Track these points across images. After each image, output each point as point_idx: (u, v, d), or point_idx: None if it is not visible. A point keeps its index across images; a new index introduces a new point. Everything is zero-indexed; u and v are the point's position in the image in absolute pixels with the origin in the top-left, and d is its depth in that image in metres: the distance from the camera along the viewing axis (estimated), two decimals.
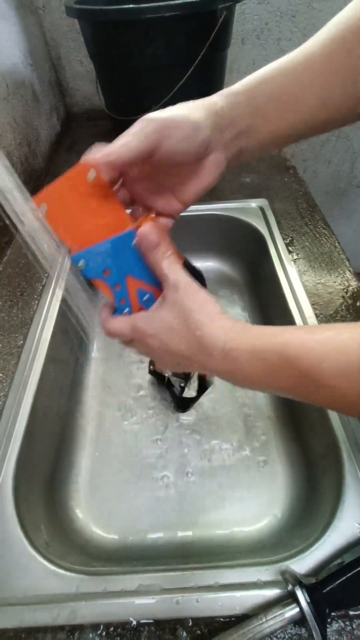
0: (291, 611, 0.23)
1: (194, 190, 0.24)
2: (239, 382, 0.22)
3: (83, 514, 0.39)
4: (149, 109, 0.49)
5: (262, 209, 0.60)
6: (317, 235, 0.54)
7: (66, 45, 0.79)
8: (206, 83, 0.57)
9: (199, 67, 0.50)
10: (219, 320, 0.21)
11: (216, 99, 0.23)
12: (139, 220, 0.23)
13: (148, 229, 0.21)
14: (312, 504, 0.35)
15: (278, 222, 0.57)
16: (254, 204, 0.61)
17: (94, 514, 0.40)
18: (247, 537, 0.37)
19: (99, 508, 0.40)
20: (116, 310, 0.24)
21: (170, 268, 0.22)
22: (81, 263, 0.22)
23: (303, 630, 0.24)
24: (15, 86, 0.62)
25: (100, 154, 0.20)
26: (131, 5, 0.43)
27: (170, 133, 0.21)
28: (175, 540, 0.37)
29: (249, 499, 0.40)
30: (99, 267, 0.22)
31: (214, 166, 0.23)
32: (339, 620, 0.24)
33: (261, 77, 0.24)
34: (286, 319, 0.44)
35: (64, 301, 0.46)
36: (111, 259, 0.22)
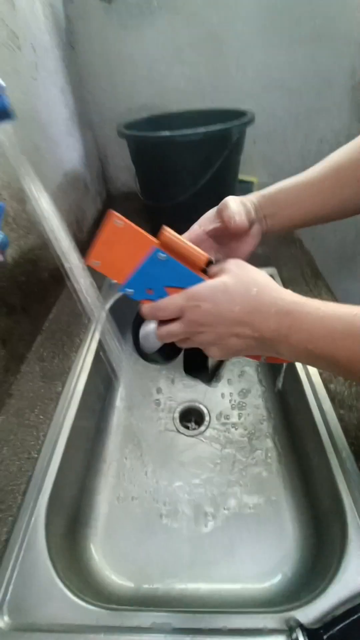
0: None
1: (243, 249, 0.34)
2: (289, 346, 0.22)
3: (99, 557, 0.42)
4: (177, 199, 0.64)
5: (271, 276, 0.68)
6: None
7: (111, 148, 0.99)
8: (223, 178, 0.70)
9: (218, 167, 0.64)
10: (275, 284, 0.24)
11: (252, 197, 0.34)
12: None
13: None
14: (319, 558, 0.36)
15: (285, 287, 0.64)
16: (265, 271, 0.69)
17: (110, 558, 0.42)
18: (255, 590, 0.37)
19: (114, 553, 0.42)
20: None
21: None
22: (128, 292, 0.28)
23: None
24: (73, 180, 0.78)
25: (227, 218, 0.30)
26: (167, 133, 0.58)
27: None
28: (187, 591, 0.38)
29: (260, 556, 0.41)
30: (141, 289, 0.28)
31: (256, 234, 0.34)
32: None
33: (279, 187, 0.35)
34: (292, 377, 0.49)
35: (99, 347, 0.54)
36: (147, 278, 0.28)
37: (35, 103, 0.62)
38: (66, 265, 0.31)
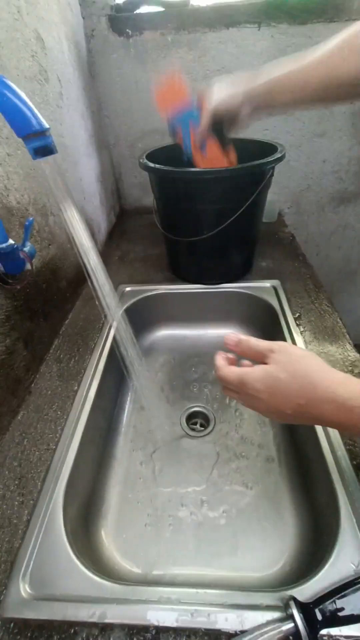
0: (286, 625, 0.27)
1: (235, 129, 0.51)
2: (351, 430, 0.24)
3: (110, 544, 0.44)
4: (199, 236, 0.59)
5: (275, 288, 0.72)
6: (322, 312, 0.64)
7: (125, 166, 1.05)
8: (251, 216, 0.65)
9: (247, 205, 0.59)
10: (328, 370, 0.25)
11: (244, 85, 0.45)
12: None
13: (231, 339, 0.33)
14: (315, 549, 0.38)
15: (288, 300, 0.68)
16: (268, 284, 0.73)
17: (120, 547, 0.44)
18: (256, 577, 0.40)
19: (123, 542, 0.45)
20: (185, 147, 0.56)
21: (260, 342, 0.30)
22: (170, 122, 0.54)
23: None
24: (90, 197, 0.84)
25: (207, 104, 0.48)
26: (194, 169, 0.56)
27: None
28: (192, 577, 0.40)
29: (261, 548, 0.43)
30: (177, 124, 0.54)
31: (245, 118, 0.48)
32: None
33: (277, 77, 0.42)
34: None
35: (113, 348, 0.58)
36: (182, 119, 0.54)
37: (60, 129, 0.68)
38: (90, 270, 0.37)
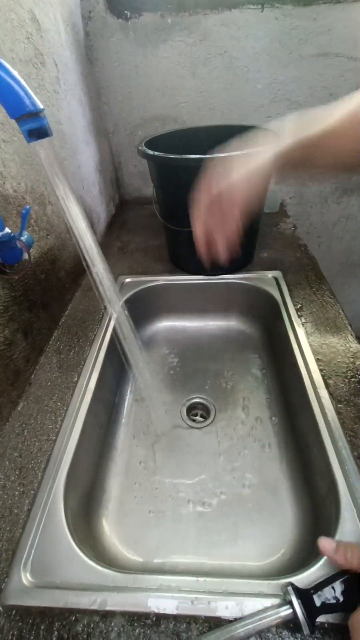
0: (285, 612, 0.27)
1: None
2: None
3: (111, 534, 0.45)
4: None
5: (276, 279, 0.71)
6: (324, 303, 0.63)
7: (125, 154, 1.03)
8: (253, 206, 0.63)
9: None
10: None
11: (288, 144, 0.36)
12: None
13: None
14: (315, 538, 0.38)
15: (290, 291, 0.67)
16: (270, 274, 0.73)
17: (121, 536, 0.45)
18: (256, 566, 0.40)
19: (124, 532, 0.45)
20: None
21: None
22: None
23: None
24: (88, 186, 0.83)
25: None
26: (194, 156, 0.53)
27: None
28: (193, 566, 0.41)
29: (261, 537, 0.43)
30: None
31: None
32: (332, 634, 0.28)
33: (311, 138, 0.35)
34: (294, 373, 0.52)
35: (114, 339, 0.58)
36: None
37: (57, 115, 0.67)
38: (89, 261, 0.36)
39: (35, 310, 0.56)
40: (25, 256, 0.46)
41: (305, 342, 0.55)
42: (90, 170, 0.84)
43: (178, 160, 0.56)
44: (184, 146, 0.67)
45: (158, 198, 0.71)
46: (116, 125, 0.97)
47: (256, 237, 0.75)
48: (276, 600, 0.29)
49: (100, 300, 0.39)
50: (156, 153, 0.58)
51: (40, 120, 0.27)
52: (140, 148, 0.61)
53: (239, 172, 0.37)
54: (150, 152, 0.59)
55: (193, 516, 0.47)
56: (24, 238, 0.44)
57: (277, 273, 0.72)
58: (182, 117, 0.94)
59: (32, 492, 0.39)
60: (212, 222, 0.39)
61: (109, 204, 1.01)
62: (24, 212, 0.43)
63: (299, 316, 0.61)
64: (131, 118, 0.96)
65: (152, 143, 0.66)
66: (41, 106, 0.27)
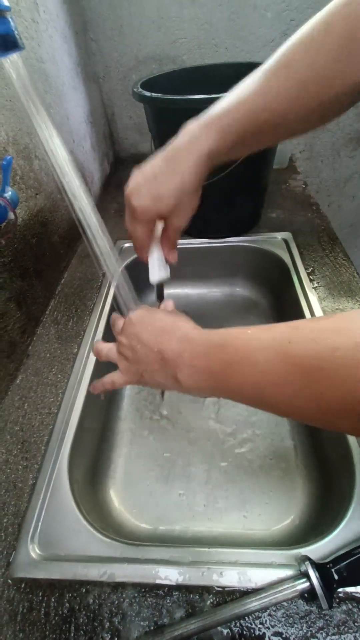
0: (302, 585, 0.26)
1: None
2: (184, 365, 0.26)
3: (119, 503, 0.45)
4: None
5: (286, 241, 0.66)
6: (337, 266, 0.59)
7: (119, 104, 0.93)
8: (260, 159, 0.57)
9: None
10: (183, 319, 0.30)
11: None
12: None
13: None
14: (326, 508, 0.38)
15: (301, 254, 0.63)
16: (279, 236, 0.67)
17: (128, 504, 0.45)
18: (265, 533, 0.40)
19: (132, 500, 0.45)
20: None
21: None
22: None
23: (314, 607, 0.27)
24: (79, 140, 0.75)
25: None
26: (198, 96, 0.47)
27: None
28: (202, 533, 0.41)
29: (270, 503, 0.43)
30: None
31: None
32: (347, 603, 0.27)
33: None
34: None
35: (114, 305, 0.55)
36: None
37: (38, 51, 0.58)
38: (85, 224, 0.31)
39: (28, 278, 0.52)
40: (11, 215, 0.41)
41: (318, 308, 0.52)
42: (80, 121, 0.76)
43: (180, 101, 0.49)
44: (185, 87, 0.59)
45: (156, 150, 0.63)
46: (107, 68, 0.86)
47: (264, 196, 0.69)
48: (289, 571, 0.29)
49: (98, 267, 0.35)
50: (155, 95, 0.51)
51: (5, 23, 0.21)
52: (135, 89, 0.53)
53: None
54: (148, 93, 0.51)
55: (200, 485, 0.46)
56: (7, 195, 0.39)
57: (286, 234, 0.67)
58: (180, 56, 0.83)
59: (35, 465, 0.38)
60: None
61: (103, 161, 0.92)
62: (4, 163, 0.37)
63: (311, 280, 0.57)
64: (123, 59, 0.85)
65: (148, 84, 0.58)
66: (6, 3, 0.21)
